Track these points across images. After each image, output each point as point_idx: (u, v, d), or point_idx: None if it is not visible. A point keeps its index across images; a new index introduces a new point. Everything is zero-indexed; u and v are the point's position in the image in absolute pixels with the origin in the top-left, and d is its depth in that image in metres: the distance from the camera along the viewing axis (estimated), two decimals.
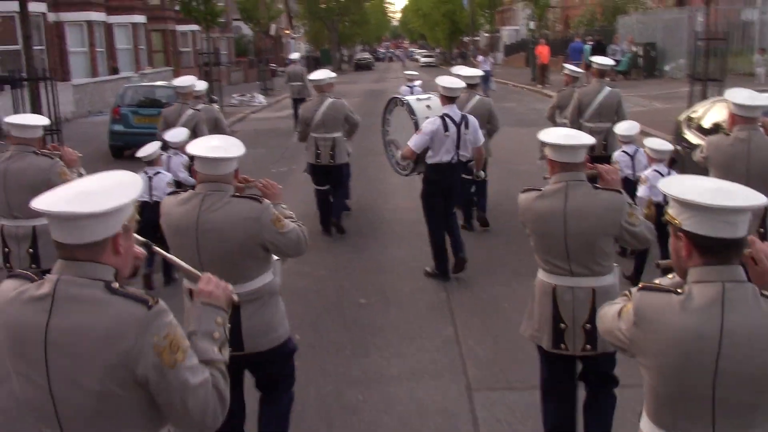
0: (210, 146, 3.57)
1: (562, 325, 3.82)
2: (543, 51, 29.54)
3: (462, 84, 7.22)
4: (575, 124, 8.48)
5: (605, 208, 3.72)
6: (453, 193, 7.39)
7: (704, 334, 2.22)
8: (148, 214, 5.84)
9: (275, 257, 3.77)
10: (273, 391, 4.01)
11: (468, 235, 9.12)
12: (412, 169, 8.00)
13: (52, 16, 26.21)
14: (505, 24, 67.29)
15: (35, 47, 23.64)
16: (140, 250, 2.41)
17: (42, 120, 5.51)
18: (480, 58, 31.20)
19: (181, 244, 3.58)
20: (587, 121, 8.59)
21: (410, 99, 8.35)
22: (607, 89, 8.71)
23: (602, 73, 8.84)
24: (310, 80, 9.36)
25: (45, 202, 2.12)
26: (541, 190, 3.86)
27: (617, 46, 29.32)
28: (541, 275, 3.95)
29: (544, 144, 3.84)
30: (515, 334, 5.76)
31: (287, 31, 74.72)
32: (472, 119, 7.21)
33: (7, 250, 5.38)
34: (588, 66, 10.06)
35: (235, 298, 2.52)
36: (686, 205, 2.28)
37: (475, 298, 7.13)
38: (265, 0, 35.66)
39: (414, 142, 7.08)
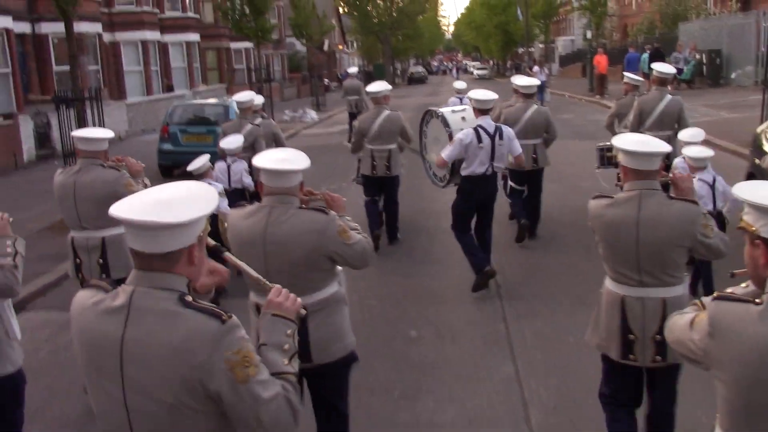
0: (276, 159, 3.61)
1: (631, 336, 3.73)
2: (601, 61, 28.65)
3: (494, 96, 7.15)
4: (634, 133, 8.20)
5: (679, 219, 3.62)
6: (488, 205, 7.36)
7: None
8: None
9: (339, 267, 3.78)
10: (332, 411, 3.91)
11: (526, 257, 8.67)
12: (449, 181, 7.89)
13: (108, 36, 26.53)
14: (560, 34, 66.30)
15: (91, 67, 24.00)
16: (224, 269, 2.51)
17: (107, 133, 5.58)
18: (536, 68, 31.00)
19: (248, 257, 3.43)
20: (648, 130, 8.35)
21: (445, 110, 8.25)
22: (669, 97, 8.56)
23: (663, 81, 8.67)
24: (368, 92, 9.46)
25: (124, 210, 2.13)
26: (612, 197, 3.76)
27: (680, 53, 28.25)
28: (609, 284, 3.85)
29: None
30: (583, 374, 5.19)
31: (340, 47, 75.01)
32: (506, 130, 7.15)
33: (78, 261, 5.48)
34: (647, 75, 9.68)
35: (303, 311, 2.51)
36: (763, 210, 2.19)
37: (537, 331, 6.53)
38: (317, 15, 35.52)
39: (447, 152, 7.09)
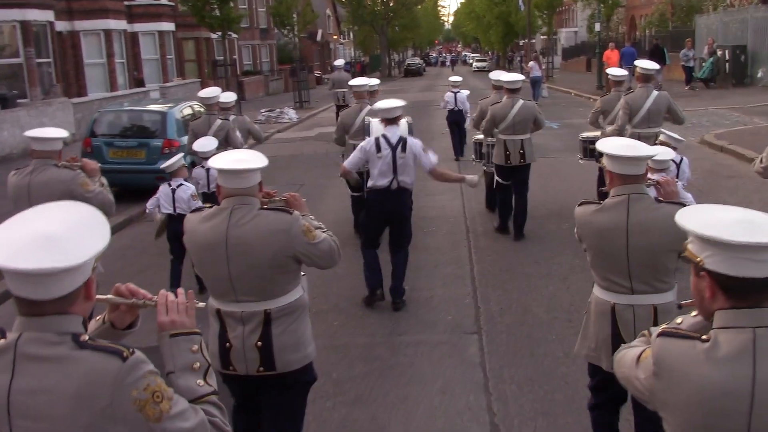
0: (232, 159, 3.51)
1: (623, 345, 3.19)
2: (612, 56, 25.98)
3: (400, 104, 6.81)
4: (622, 130, 8.57)
5: (669, 223, 2.92)
6: (397, 222, 6.87)
7: (734, 390, 1.97)
8: (173, 226, 6.80)
9: (302, 273, 3.66)
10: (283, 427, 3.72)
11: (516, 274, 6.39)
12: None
13: (65, 26, 23.90)
14: (563, 26, 63.78)
15: (39, 60, 21.40)
16: (126, 302, 2.28)
17: (61, 132, 5.52)
18: (531, 64, 28.73)
19: (209, 260, 3.49)
20: (636, 127, 8.53)
21: (373, 121, 7.96)
22: (655, 93, 8.63)
23: (646, 77, 8.69)
24: (350, 86, 9.32)
25: (2, 255, 1.86)
26: (600, 203, 3.69)
27: (689, 51, 25.65)
28: (598, 293, 3.76)
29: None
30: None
31: (335, 37, 72.41)
32: (411, 143, 6.74)
33: None
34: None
35: (201, 305, 2.41)
36: (709, 241, 2.03)
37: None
38: (307, 4, 32.44)
39: (348, 160, 6.92)
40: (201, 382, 2.17)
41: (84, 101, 21.18)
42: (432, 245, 8.70)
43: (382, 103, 6.91)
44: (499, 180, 8.96)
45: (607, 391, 3.78)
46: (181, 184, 7.18)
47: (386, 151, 6.62)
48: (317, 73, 55.26)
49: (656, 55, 23.93)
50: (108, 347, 1.95)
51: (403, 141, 6.67)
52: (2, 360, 1.93)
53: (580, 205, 3.81)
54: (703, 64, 25.65)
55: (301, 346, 3.60)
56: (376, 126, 7.45)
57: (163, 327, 2.24)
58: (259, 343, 3.49)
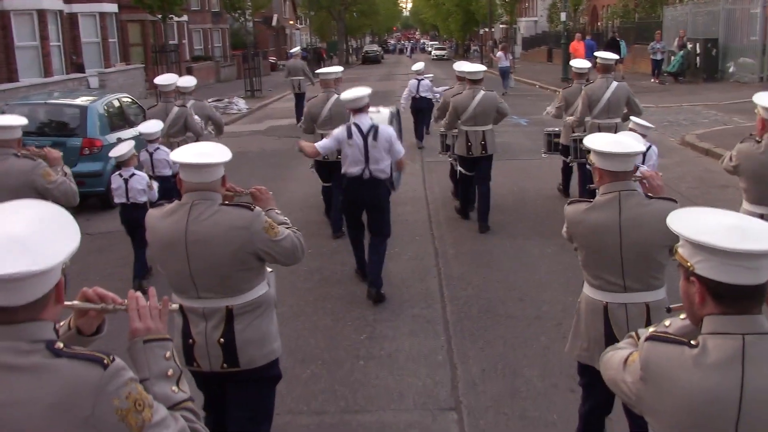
0: (195, 152, 3.39)
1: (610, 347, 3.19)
2: (578, 48, 24.93)
3: (366, 92, 6.71)
4: (582, 120, 8.67)
5: (661, 218, 2.99)
6: (370, 209, 6.85)
7: (722, 397, 1.96)
8: (126, 214, 7.04)
9: (269, 269, 3.61)
10: (249, 426, 3.61)
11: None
12: None
13: None
14: (523, 15, 62.82)
15: None
16: (95, 308, 2.17)
17: (19, 120, 5.27)
18: (499, 54, 28.15)
19: (170, 257, 3.42)
20: (596, 118, 8.55)
21: (375, 116, 7.62)
22: (615, 84, 8.63)
23: (606, 68, 8.76)
24: (318, 74, 9.41)
25: None
26: (590, 201, 3.65)
27: (658, 43, 24.66)
28: (589, 292, 3.70)
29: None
30: None
31: (291, 22, 70.38)
32: (384, 131, 6.69)
33: None
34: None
35: (174, 307, 2.36)
36: (700, 247, 2.01)
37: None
38: None
39: (321, 143, 6.87)
40: (175, 389, 2.10)
41: (9, 88, 19.20)
42: (395, 273, 7.33)
43: (349, 93, 6.77)
44: (462, 170, 8.95)
45: (600, 393, 3.62)
46: (134, 174, 7.00)
47: (357, 139, 6.57)
48: (272, 59, 53.34)
49: (612, 47, 22.95)
50: (87, 355, 1.85)
51: (374, 129, 6.60)
52: None
53: (569, 203, 3.75)
54: (672, 57, 24.71)
55: (266, 342, 3.52)
56: (378, 118, 7.29)
57: (136, 333, 2.15)
58: (222, 340, 3.43)
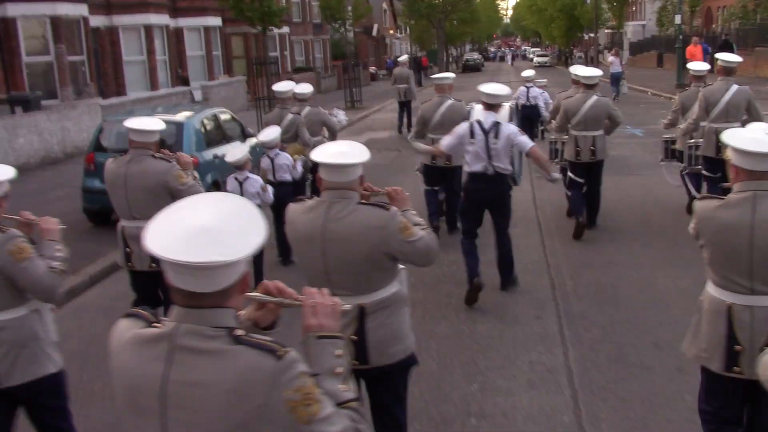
0: (334, 152, 3.42)
1: (738, 347, 3.47)
2: (695, 52, 23.24)
3: (505, 91, 6.75)
4: (697, 125, 8.47)
5: None
6: (497, 207, 6.85)
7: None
8: None
9: (401, 266, 3.60)
10: (389, 417, 3.62)
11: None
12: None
13: (103, 21, 22.45)
14: (630, 19, 60.50)
15: (72, 57, 19.89)
16: (274, 301, 2.24)
17: (159, 124, 5.60)
18: (611, 58, 27.24)
19: (306, 253, 3.48)
20: (713, 122, 8.22)
21: (476, 106, 7.51)
22: (735, 87, 8.22)
23: (728, 71, 8.35)
24: (433, 79, 9.45)
25: (163, 246, 1.86)
26: (722, 198, 3.54)
27: None
28: (713, 291, 3.59)
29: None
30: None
31: (391, 31, 70.30)
32: (505, 128, 6.63)
33: (128, 250, 5.57)
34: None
35: (347, 307, 2.35)
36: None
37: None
38: None
39: (444, 141, 6.94)
40: (343, 387, 2.11)
41: (113, 103, 19.50)
42: (506, 308, 6.58)
43: (487, 87, 6.75)
44: (572, 176, 8.77)
45: (718, 397, 3.63)
46: (248, 177, 7.16)
47: (480, 136, 6.63)
48: (372, 68, 53.26)
49: (726, 50, 21.36)
50: (263, 344, 1.91)
51: (496, 126, 6.62)
52: (157, 348, 1.92)
53: (701, 199, 3.68)
54: None
55: (398, 341, 3.53)
56: (477, 111, 7.27)
57: (310, 329, 2.18)
58: (354, 337, 3.43)
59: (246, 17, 18.21)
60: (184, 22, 26.97)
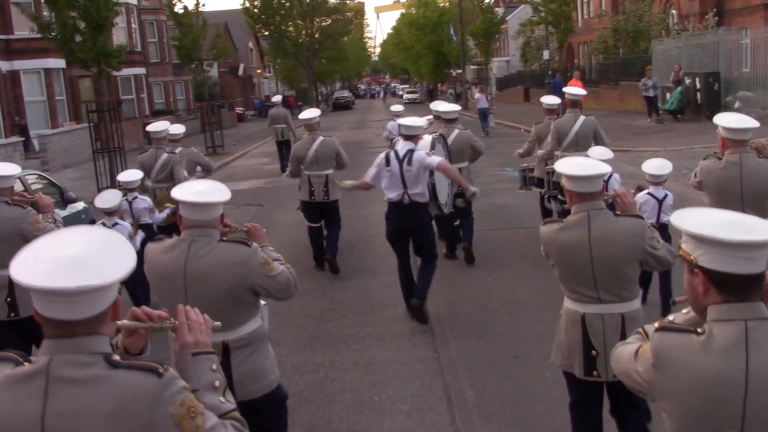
0: (196, 191, 3.53)
1: (594, 353, 3.78)
2: (577, 85, 22.98)
3: (421, 124, 7.18)
4: (551, 154, 8.87)
5: (629, 235, 3.72)
6: (414, 235, 7.18)
7: (729, 378, 2.10)
8: None
9: (263, 302, 3.73)
10: None
11: None
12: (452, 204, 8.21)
13: None
14: (494, 55, 61.64)
15: None
16: (145, 326, 2.26)
17: (13, 169, 5.48)
18: (477, 95, 27.59)
19: (168, 291, 3.55)
20: (565, 151, 8.64)
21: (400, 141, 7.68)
22: (582, 118, 8.80)
23: (574, 103, 8.94)
24: (301, 119, 9.65)
25: (32, 275, 1.88)
26: (562, 221, 3.86)
27: (649, 79, 22.86)
28: (569, 304, 3.91)
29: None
30: None
31: (259, 71, 68.67)
32: (416, 154, 6.93)
33: None
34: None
35: (217, 324, 2.40)
36: (702, 240, 2.17)
37: None
38: (204, 35, 27.88)
39: (367, 173, 7.20)
40: (223, 399, 2.16)
41: None
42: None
43: (407, 120, 7.20)
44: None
45: (581, 395, 3.96)
46: (116, 223, 7.10)
47: (394, 163, 6.91)
48: (239, 109, 51.27)
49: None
50: (142, 365, 1.94)
51: (409, 153, 6.87)
52: (33, 385, 1.90)
53: (544, 224, 3.94)
54: (668, 93, 22.92)
55: (262, 376, 3.61)
56: (400, 144, 7.44)
57: (186, 346, 2.22)
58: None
59: (78, 59, 15.99)
60: (20, 64, 24.30)
